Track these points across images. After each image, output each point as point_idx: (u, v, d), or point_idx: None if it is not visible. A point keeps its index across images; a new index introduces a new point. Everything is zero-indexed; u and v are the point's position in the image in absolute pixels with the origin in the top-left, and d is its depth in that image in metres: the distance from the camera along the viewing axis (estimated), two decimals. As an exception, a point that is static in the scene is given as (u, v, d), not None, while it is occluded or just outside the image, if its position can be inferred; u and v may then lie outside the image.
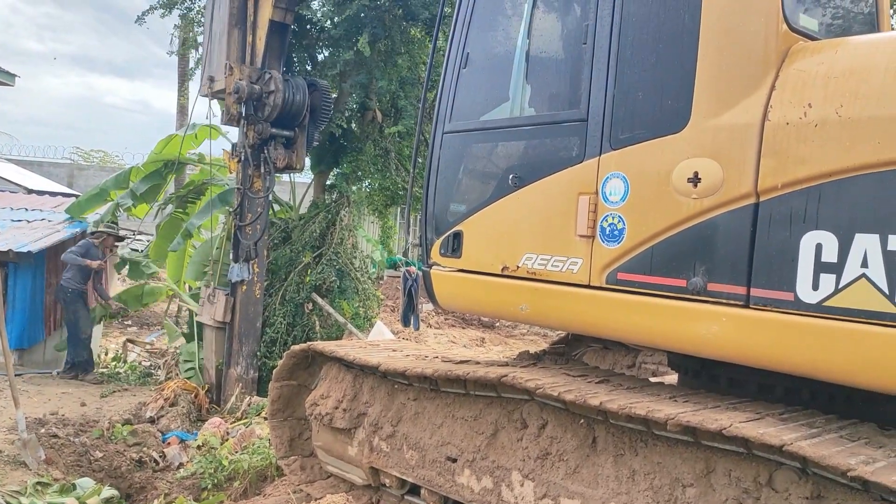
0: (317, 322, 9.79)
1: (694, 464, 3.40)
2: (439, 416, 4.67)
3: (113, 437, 7.65)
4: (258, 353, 9.24)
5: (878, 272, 2.94)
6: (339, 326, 9.86)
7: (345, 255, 10.05)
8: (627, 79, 3.86)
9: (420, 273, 5.00)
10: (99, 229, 11.14)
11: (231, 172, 9.58)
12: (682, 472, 3.43)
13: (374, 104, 10.03)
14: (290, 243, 10.00)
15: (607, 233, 3.89)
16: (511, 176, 4.35)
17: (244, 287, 9.14)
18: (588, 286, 3.96)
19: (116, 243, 11.62)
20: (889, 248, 2.91)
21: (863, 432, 3.23)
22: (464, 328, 15.10)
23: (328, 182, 10.91)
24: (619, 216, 3.84)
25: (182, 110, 20.53)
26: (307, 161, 10.39)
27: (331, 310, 9.79)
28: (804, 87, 3.25)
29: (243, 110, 8.73)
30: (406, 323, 5.03)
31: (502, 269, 4.39)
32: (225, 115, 9.09)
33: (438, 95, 4.88)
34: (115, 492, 6.22)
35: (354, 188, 10.78)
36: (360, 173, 10.59)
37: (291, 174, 10.11)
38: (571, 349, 5.94)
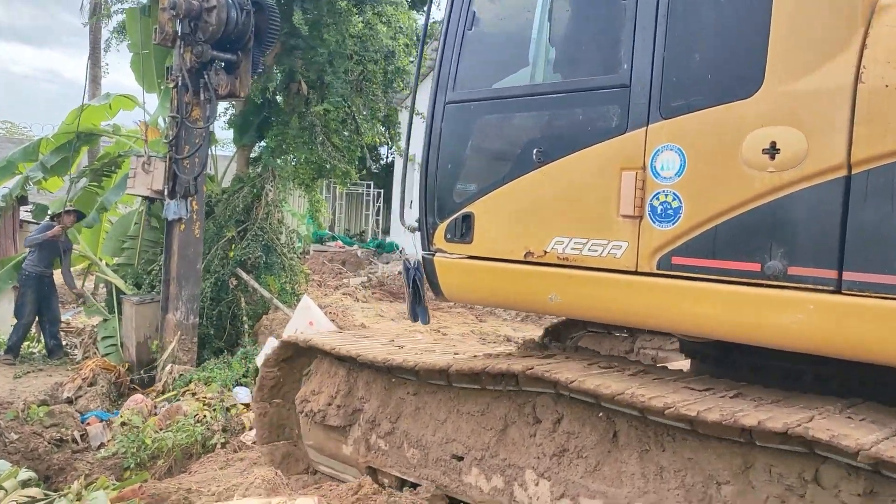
0: (242, 298, 9.44)
1: (731, 459, 3.12)
2: (443, 412, 4.26)
3: (28, 419, 7.28)
4: (199, 297, 8.72)
5: None
6: (265, 302, 9.58)
7: (270, 231, 9.79)
8: (681, 37, 3.44)
9: (419, 261, 4.44)
10: (60, 210, 10.30)
11: (146, 144, 8.78)
12: (717, 469, 3.15)
13: (300, 77, 9.58)
14: (213, 217, 9.58)
15: (659, 212, 3.46)
16: (535, 150, 3.85)
17: (182, 226, 8.38)
18: (635, 272, 3.52)
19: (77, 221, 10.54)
20: None
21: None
22: (391, 301, 14.67)
23: (252, 155, 10.48)
24: (674, 193, 3.42)
25: (95, 80, 19.10)
26: (230, 134, 10.12)
27: (256, 285, 9.45)
28: (904, 44, 2.91)
29: (179, 29, 7.87)
30: (415, 318, 4.46)
31: (525, 256, 3.90)
32: (159, 34, 8.21)
33: (438, 61, 4.31)
34: (32, 474, 5.62)
35: (280, 162, 10.35)
36: (285, 147, 10.12)
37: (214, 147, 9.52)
38: (567, 333, 5.61)
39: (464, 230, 4.14)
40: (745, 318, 3.23)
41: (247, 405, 7.11)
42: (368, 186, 26.90)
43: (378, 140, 11.22)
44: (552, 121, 3.89)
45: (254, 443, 6.07)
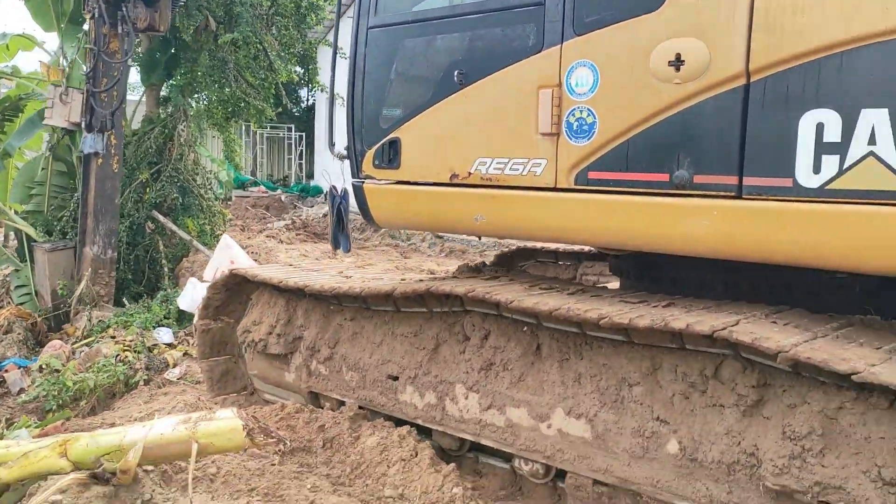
0: (160, 241, 9.36)
1: (640, 362, 3.31)
2: (378, 335, 4.39)
3: (-59, 369, 7.07)
4: (117, 233, 8.63)
5: (887, 148, 2.78)
6: (185, 245, 9.51)
7: (186, 172, 9.64)
8: (592, -46, 3.47)
9: (346, 189, 4.49)
10: None
11: (49, 84, 8.53)
12: (629, 372, 3.35)
13: (206, 10, 9.27)
14: (125, 160, 9.34)
15: (575, 128, 3.55)
16: (456, 72, 3.89)
17: (99, 160, 8.28)
18: (555, 188, 3.63)
19: None
20: (900, 121, 2.75)
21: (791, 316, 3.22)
22: (315, 242, 14.77)
23: (161, 95, 10.19)
24: (588, 109, 3.50)
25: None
26: (137, 75, 9.76)
27: (174, 227, 9.36)
28: (799, -48, 2.98)
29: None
30: (336, 245, 4.55)
31: (451, 178, 3.97)
32: None
33: (359, -15, 4.28)
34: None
35: (191, 101, 10.17)
36: (195, 85, 9.89)
37: None
38: (516, 261, 5.77)
39: (391, 156, 4.19)
40: (656, 228, 3.36)
41: (169, 345, 7.14)
42: (290, 130, 26.45)
43: (295, 78, 10.97)
44: (472, 42, 3.91)
45: (180, 378, 6.16)
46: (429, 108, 4.05)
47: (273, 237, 15.13)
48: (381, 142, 4.22)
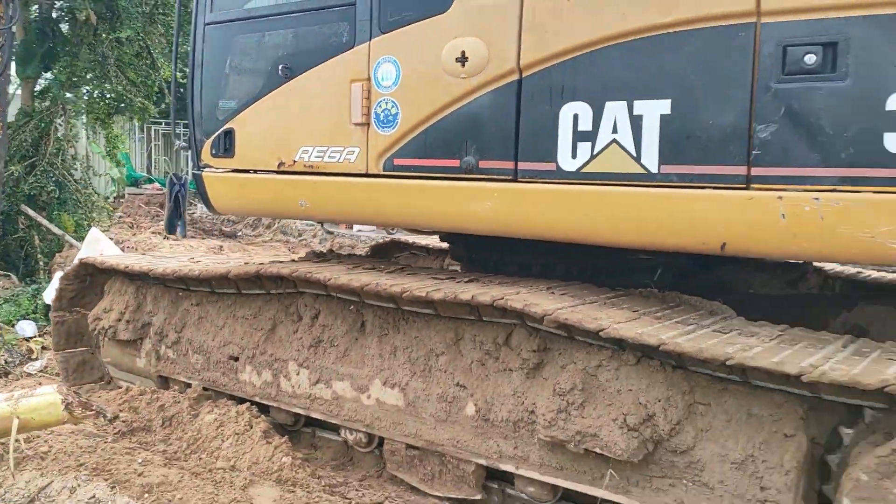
0: (35, 235, 9.26)
1: (445, 334, 3.63)
2: (221, 318, 4.61)
3: None
4: None
5: (626, 137, 3.17)
6: (59, 240, 9.45)
7: (62, 167, 9.60)
8: (394, -41, 3.78)
9: (187, 178, 4.70)
10: None
11: None
12: (435, 343, 3.65)
13: (88, 5, 9.25)
14: None
15: (381, 119, 3.86)
16: (281, 66, 4.16)
17: None
18: (366, 174, 3.93)
19: None
20: (635, 112, 3.14)
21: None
22: (203, 238, 14.81)
23: (38, 88, 10.11)
24: (393, 101, 3.82)
25: None
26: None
27: (45, 222, 9.28)
28: (558, -37, 3.35)
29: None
30: (171, 230, 4.76)
31: (279, 166, 4.24)
32: None
33: (196, -17, 4.50)
34: None
35: (71, 96, 10.08)
36: (76, 80, 9.83)
37: None
38: (391, 253, 6.07)
39: (226, 145, 4.43)
40: (451, 210, 3.70)
41: (31, 338, 7.13)
42: (186, 127, 26.07)
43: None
44: (295, 38, 4.18)
45: (40, 372, 6.21)
46: (259, 100, 4.31)
47: (159, 233, 15.06)
48: (218, 132, 4.46)
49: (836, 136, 2.71)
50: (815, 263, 5.29)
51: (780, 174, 2.83)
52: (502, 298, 3.26)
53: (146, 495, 3.46)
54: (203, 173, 4.56)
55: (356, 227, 13.26)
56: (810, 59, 2.74)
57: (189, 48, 4.62)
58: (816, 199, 2.73)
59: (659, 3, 3.05)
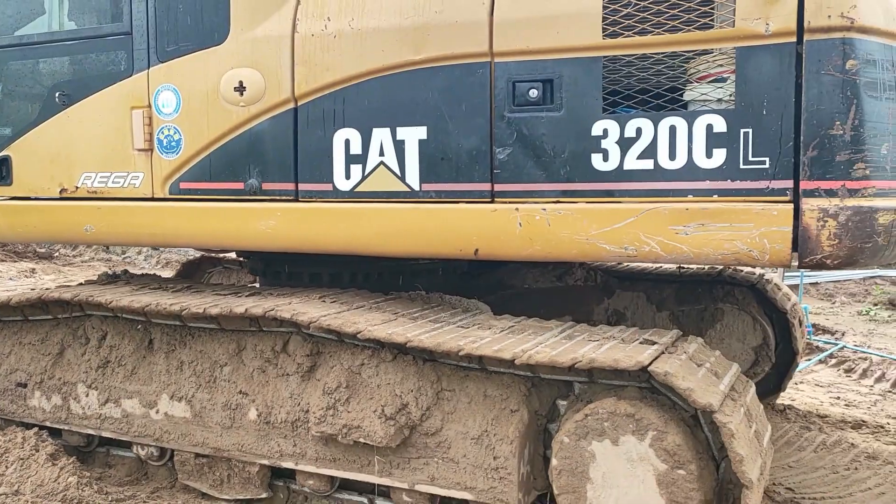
0: None
1: (228, 345, 3.86)
2: (7, 346, 4.52)
3: None
4: None
5: (391, 159, 3.57)
6: None
7: None
8: (167, -8, 3.94)
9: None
10: None
11: None
12: (219, 355, 3.88)
13: None
14: None
15: (165, 144, 4.01)
16: (58, 94, 4.18)
17: None
18: (152, 199, 4.06)
19: None
20: (398, 137, 3.55)
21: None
22: (15, 261, 13.90)
23: None
24: (175, 127, 3.98)
25: None
26: None
27: None
28: (324, 1, 3.69)
29: None
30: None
31: (60, 192, 4.24)
32: None
33: (-41, 7, 4.37)
34: None
35: None
36: None
37: None
38: (203, 269, 6.08)
39: (3, 173, 4.36)
40: (238, 229, 3.92)
41: None
42: None
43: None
44: (71, 66, 4.21)
45: None
46: (36, 127, 4.28)
47: None
48: (-8, 160, 4.36)
49: (555, 157, 3.27)
50: (578, 258, 6.05)
51: (516, 189, 3.35)
52: (273, 309, 3.55)
53: None
54: (-22, 202, 4.43)
55: None
56: (533, 93, 3.28)
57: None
58: (544, 209, 3.28)
59: (412, 41, 3.48)
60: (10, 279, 11.96)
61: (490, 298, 5.12)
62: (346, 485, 3.70)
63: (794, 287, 10.91)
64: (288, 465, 3.68)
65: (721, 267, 5.78)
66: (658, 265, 6.41)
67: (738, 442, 2.69)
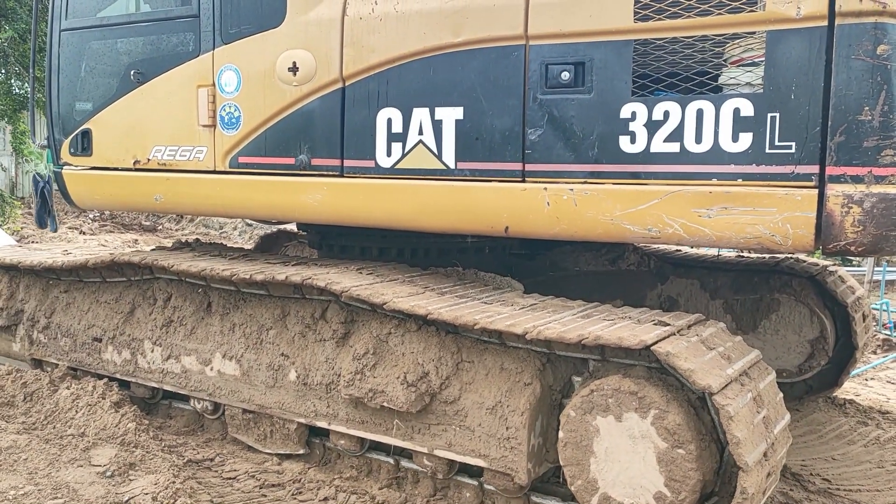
0: None
1: (274, 310, 4.11)
2: (87, 303, 4.93)
3: None
4: None
5: (430, 138, 3.72)
6: None
7: None
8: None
9: (50, 175, 4.98)
10: None
11: None
12: (266, 319, 4.13)
13: None
14: None
15: (226, 121, 4.28)
16: (133, 72, 4.51)
17: None
18: (214, 171, 4.34)
19: None
20: (436, 117, 3.69)
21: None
22: (122, 232, 14.81)
23: None
24: (235, 105, 4.24)
25: None
26: None
27: None
28: (372, -14, 3.86)
29: None
30: (42, 224, 5.02)
31: (134, 163, 4.59)
32: None
33: (51, -9, 4.77)
34: None
35: None
36: None
37: None
38: (280, 242, 6.48)
39: (84, 144, 4.74)
40: (288, 202, 4.16)
41: None
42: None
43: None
44: (145, 45, 4.53)
45: None
46: (114, 103, 4.63)
47: (76, 228, 14.92)
48: (75, 132, 4.75)
49: (584, 139, 3.33)
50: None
51: (545, 170, 3.43)
52: (310, 278, 3.77)
53: None
54: (63, 171, 4.84)
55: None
56: (565, 75, 3.35)
57: (46, 52, 4.88)
58: (571, 189, 3.36)
59: (451, 24, 3.60)
60: (115, 246, 12.79)
61: (540, 280, 5.22)
62: (376, 446, 3.91)
63: (875, 283, 10.46)
64: (322, 424, 3.91)
65: (780, 256, 5.67)
66: (715, 253, 6.33)
67: (737, 425, 2.72)
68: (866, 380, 6.57)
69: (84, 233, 14.44)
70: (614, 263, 5.94)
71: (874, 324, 7.20)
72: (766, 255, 5.72)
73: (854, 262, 11.87)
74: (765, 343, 5.30)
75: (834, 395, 5.50)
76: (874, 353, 7.62)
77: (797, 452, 4.62)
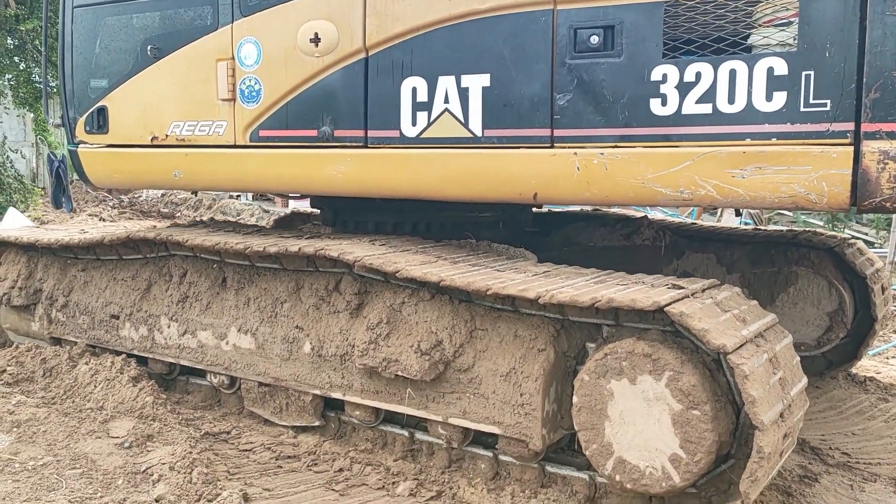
0: None
1: (288, 284, 4.10)
2: (104, 281, 4.91)
3: None
4: None
5: (455, 106, 3.69)
6: None
7: None
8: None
9: (64, 154, 4.95)
10: None
11: None
12: (280, 293, 4.13)
13: None
14: None
15: (246, 95, 4.25)
16: (150, 47, 4.47)
17: None
18: (234, 146, 4.32)
19: None
20: (462, 85, 3.66)
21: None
22: (141, 219, 14.79)
23: None
24: (256, 78, 4.21)
25: None
26: None
27: None
28: (393, -45, 3.82)
29: None
30: (57, 205, 5.00)
31: (152, 140, 4.56)
32: None
33: (64, -32, 4.72)
34: None
35: None
36: None
37: None
38: (296, 223, 6.46)
39: (100, 122, 4.71)
40: (311, 174, 4.14)
41: None
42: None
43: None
44: (162, 20, 4.49)
45: None
46: (130, 79, 4.60)
47: (96, 215, 14.93)
48: (91, 110, 4.72)
49: (614, 102, 3.31)
50: (649, 217, 6.05)
51: (574, 135, 3.42)
52: (323, 248, 3.76)
53: (14, 429, 3.87)
54: (78, 149, 4.81)
55: (291, 204, 13.24)
56: (594, 39, 3.33)
57: (59, 29, 4.83)
58: (601, 153, 3.34)
59: (477, -10, 3.58)
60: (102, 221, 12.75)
61: (554, 255, 5.21)
62: (390, 418, 3.91)
63: (896, 263, 10.41)
64: (337, 395, 3.91)
65: (799, 230, 5.67)
66: (731, 227, 6.32)
67: (752, 384, 2.71)
68: (887, 358, 6.57)
69: (104, 220, 14.41)
70: (629, 238, 5.92)
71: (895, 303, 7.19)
72: (784, 229, 5.71)
73: (876, 244, 11.88)
74: (782, 316, 5.27)
75: (854, 372, 5.50)
76: (895, 332, 7.62)
77: (816, 427, 4.62)
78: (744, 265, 5.49)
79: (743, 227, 6.41)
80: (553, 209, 6.76)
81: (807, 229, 5.55)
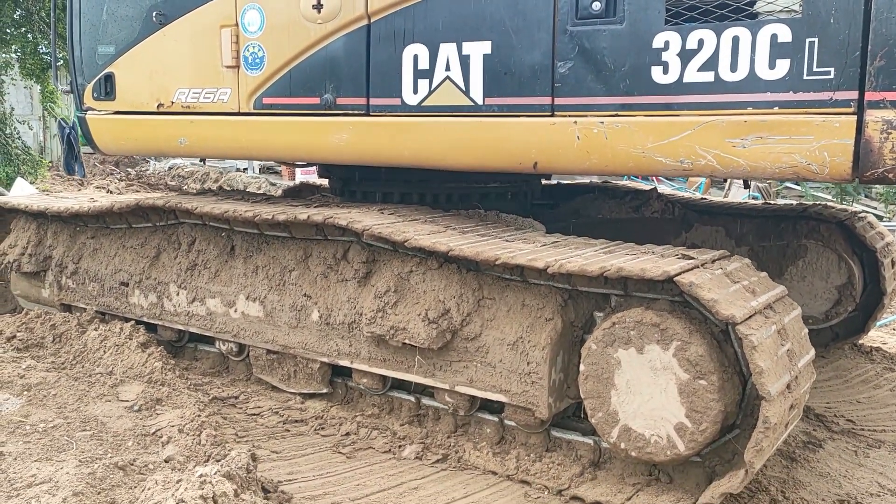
0: None
1: (296, 252, 4.12)
2: (113, 249, 4.95)
3: None
4: None
5: (457, 74, 3.67)
6: None
7: None
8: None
9: (76, 120, 4.98)
10: None
11: None
12: (289, 261, 4.14)
13: None
14: None
15: (250, 61, 4.24)
16: (155, 13, 4.47)
17: None
18: (238, 113, 4.32)
19: None
20: (463, 52, 3.63)
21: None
22: (148, 192, 14.90)
23: None
24: (259, 45, 4.20)
25: None
26: None
27: None
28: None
29: None
30: (70, 171, 5.07)
31: (158, 106, 4.57)
32: None
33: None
34: None
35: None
36: (4, 37, 9.70)
37: None
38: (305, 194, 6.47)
39: (107, 89, 4.73)
40: (313, 142, 4.14)
41: None
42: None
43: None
44: (167, -14, 4.49)
45: None
46: (136, 46, 4.60)
47: (103, 188, 15.05)
48: (98, 76, 4.74)
49: (615, 70, 3.27)
50: (658, 190, 6.00)
51: (575, 103, 3.38)
52: (332, 217, 3.77)
53: (25, 392, 3.94)
54: (86, 116, 4.84)
55: (299, 176, 13.24)
56: (596, 5, 3.28)
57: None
58: (602, 122, 3.31)
59: (479, -44, 3.53)
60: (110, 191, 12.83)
61: (562, 227, 5.19)
62: (397, 384, 3.94)
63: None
64: (344, 363, 3.94)
65: (808, 203, 5.60)
66: (740, 201, 6.25)
67: (760, 355, 2.70)
68: (894, 329, 6.52)
69: (111, 192, 14.54)
70: (638, 211, 5.88)
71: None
72: (794, 202, 5.64)
73: (885, 218, 11.72)
74: (791, 290, 5.22)
75: (860, 342, 5.46)
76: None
77: (821, 395, 4.61)
78: (753, 238, 5.45)
79: (752, 201, 6.34)
80: (562, 181, 6.72)
81: (816, 203, 5.48)
